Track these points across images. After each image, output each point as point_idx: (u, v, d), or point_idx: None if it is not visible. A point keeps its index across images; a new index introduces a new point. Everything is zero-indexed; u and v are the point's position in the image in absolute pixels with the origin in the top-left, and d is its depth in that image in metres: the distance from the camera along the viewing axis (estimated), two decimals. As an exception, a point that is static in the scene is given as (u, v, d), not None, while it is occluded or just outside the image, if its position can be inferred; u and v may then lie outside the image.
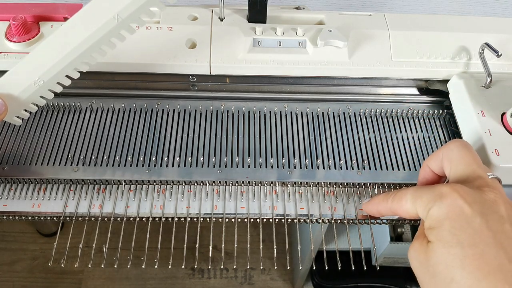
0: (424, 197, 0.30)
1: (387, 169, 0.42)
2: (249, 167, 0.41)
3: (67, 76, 0.37)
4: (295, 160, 0.42)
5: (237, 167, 0.41)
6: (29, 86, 0.36)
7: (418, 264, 0.29)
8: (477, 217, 0.27)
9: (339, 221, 0.41)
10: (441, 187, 0.29)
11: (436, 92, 0.49)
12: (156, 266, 0.39)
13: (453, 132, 0.45)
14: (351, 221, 0.41)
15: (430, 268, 0.28)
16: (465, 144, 0.33)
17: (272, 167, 0.41)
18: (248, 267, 0.42)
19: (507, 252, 0.26)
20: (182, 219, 0.40)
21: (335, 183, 0.42)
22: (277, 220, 0.41)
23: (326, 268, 0.39)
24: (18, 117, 0.39)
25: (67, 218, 0.40)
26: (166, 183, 0.41)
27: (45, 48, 0.36)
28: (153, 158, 0.41)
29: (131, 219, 0.40)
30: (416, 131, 0.46)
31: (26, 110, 0.39)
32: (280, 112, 0.46)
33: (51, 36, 0.36)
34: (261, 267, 0.47)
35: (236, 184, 0.42)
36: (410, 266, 0.30)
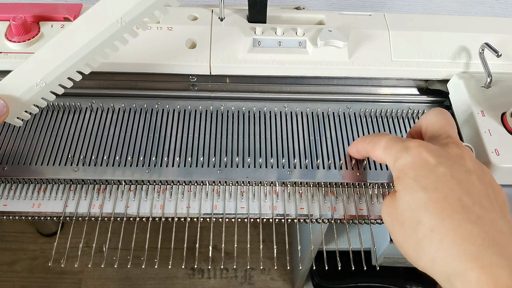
0: (393, 149, 0.31)
1: (387, 169, 0.42)
2: (249, 167, 0.41)
3: (69, 78, 0.38)
4: (295, 160, 0.42)
5: (237, 167, 0.41)
6: (31, 88, 0.36)
7: (388, 217, 0.30)
8: (441, 167, 0.28)
9: (339, 221, 0.41)
10: (409, 141, 0.31)
11: (436, 92, 0.49)
12: (156, 266, 0.39)
13: (453, 132, 0.45)
14: (351, 221, 0.41)
15: (399, 217, 0.29)
16: (442, 111, 0.35)
17: (272, 167, 0.41)
18: (248, 267, 0.42)
19: (473, 196, 0.27)
20: (182, 219, 0.40)
21: (335, 183, 0.42)
22: (277, 220, 0.41)
23: (326, 268, 0.39)
24: (19, 118, 0.39)
25: (67, 218, 0.40)
26: (166, 183, 0.41)
27: (48, 50, 0.36)
28: (153, 158, 0.41)
29: (131, 219, 0.40)
30: (416, 131, 0.46)
31: (27, 112, 0.39)
32: (280, 112, 0.46)
33: (54, 38, 0.36)
34: (261, 267, 0.47)
35: (236, 184, 0.42)
36: (393, 241, 0.31)
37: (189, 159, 0.41)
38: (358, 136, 0.44)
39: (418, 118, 0.46)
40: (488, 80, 0.44)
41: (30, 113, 0.39)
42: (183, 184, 0.42)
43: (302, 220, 0.41)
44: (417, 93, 0.49)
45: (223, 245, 0.39)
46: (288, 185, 0.42)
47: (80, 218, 0.40)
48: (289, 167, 0.42)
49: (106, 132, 0.44)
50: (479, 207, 0.27)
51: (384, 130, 0.45)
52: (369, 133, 0.45)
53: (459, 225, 0.26)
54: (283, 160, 0.42)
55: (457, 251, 0.25)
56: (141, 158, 0.41)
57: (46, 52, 0.36)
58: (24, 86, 0.36)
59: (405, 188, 0.29)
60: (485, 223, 0.26)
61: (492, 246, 0.24)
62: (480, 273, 0.23)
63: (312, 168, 0.42)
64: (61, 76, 0.37)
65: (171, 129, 0.44)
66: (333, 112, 0.47)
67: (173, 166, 0.41)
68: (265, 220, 0.40)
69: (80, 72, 0.38)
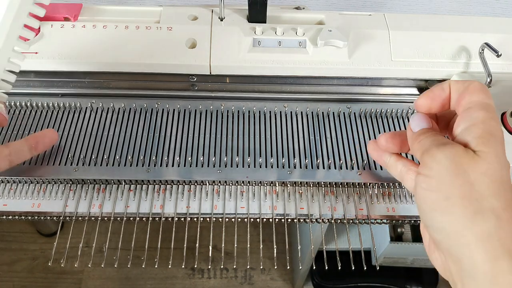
0: (492, 108, 0.30)
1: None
2: (249, 167, 0.41)
3: (18, 40, 0.36)
4: (295, 160, 0.42)
5: (237, 167, 0.41)
6: None
7: (453, 165, 0.28)
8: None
9: (339, 221, 0.41)
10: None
11: (436, 92, 0.49)
12: (156, 266, 0.39)
13: (453, 132, 0.45)
14: (351, 221, 0.41)
15: (472, 174, 0.28)
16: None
17: (272, 167, 0.41)
18: (248, 267, 0.42)
19: None
20: (182, 219, 0.40)
21: (335, 183, 0.42)
22: (277, 220, 0.41)
23: (326, 268, 0.39)
24: None
25: (67, 218, 0.40)
26: (166, 183, 0.41)
27: None
28: (153, 158, 0.41)
29: (131, 219, 0.40)
30: (416, 131, 0.45)
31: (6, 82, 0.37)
32: (280, 112, 0.46)
33: None
34: (261, 267, 0.47)
35: (236, 184, 0.42)
36: (430, 190, 0.29)
37: (189, 159, 0.41)
38: (358, 136, 0.44)
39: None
40: (488, 80, 0.44)
41: (4, 92, 0.37)
42: (183, 184, 0.42)
43: (302, 220, 0.41)
44: (417, 93, 0.49)
45: (223, 245, 0.39)
46: (288, 185, 0.42)
47: (80, 218, 0.40)
48: (289, 167, 0.42)
49: (106, 132, 0.44)
50: None
51: (384, 130, 0.45)
52: (369, 133, 0.45)
53: None
54: (283, 160, 0.42)
55: None
56: (141, 158, 0.41)
57: None
58: None
59: (496, 156, 0.28)
60: None
61: None
62: None
63: (312, 168, 0.42)
64: (9, 38, 0.35)
65: (171, 129, 0.44)
66: (333, 112, 0.47)
67: (173, 166, 0.41)
68: (265, 220, 0.40)
69: (26, 32, 0.36)
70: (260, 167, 0.41)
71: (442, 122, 0.34)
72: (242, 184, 0.42)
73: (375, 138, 0.44)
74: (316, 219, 0.41)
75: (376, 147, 0.36)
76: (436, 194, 0.29)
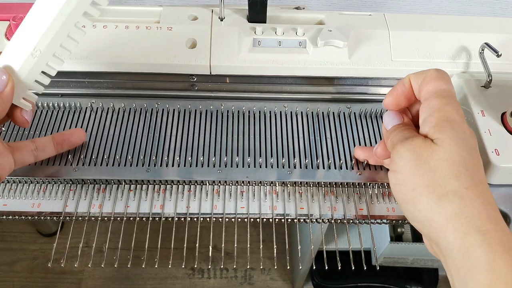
0: (452, 96, 0.32)
1: (387, 169, 0.42)
2: (249, 167, 0.41)
3: (62, 47, 0.35)
4: (295, 160, 0.42)
5: (237, 167, 0.41)
6: (28, 59, 0.34)
7: (415, 156, 0.30)
8: (474, 139, 0.32)
9: (339, 221, 0.41)
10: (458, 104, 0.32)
11: (436, 92, 0.49)
12: (156, 266, 0.39)
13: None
14: (351, 221, 0.41)
15: (432, 162, 0.30)
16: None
17: (272, 167, 0.41)
18: (248, 267, 0.42)
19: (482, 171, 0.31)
20: (182, 219, 0.40)
21: (335, 183, 0.42)
22: (277, 220, 0.41)
23: (326, 268, 0.39)
24: (25, 99, 0.36)
25: (67, 218, 0.40)
26: (166, 183, 0.41)
27: (32, 19, 0.34)
28: (153, 158, 0.41)
29: (131, 219, 0.40)
30: (416, 131, 0.45)
31: (33, 92, 0.36)
32: (280, 112, 0.46)
33: (33, 6, 0.34)
34: (261, 267, 0.47)
35: (236, 184, 0.42)
36: (399, 181, 0.31)
37: (189, 159, 0.41)
38: (358, 136, 0.44)
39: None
40: (488, 80, 0.44)
41: (37, 95, 0.37)
42: (183, 184, 0.42)
43: (302, 220, 0.41)
44: (417, 93, 0.49)
45: (223, 245, 0.39)
46: (288, 185, 0.42)
47: (80, 218, 0.40)
48: (289, 167, 0.42)
49: (106, 132, 0.44)
50: (487, 183, 0.30)
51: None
52: (369, 133, 0.45)
53: (484, 193, 0.29)
54: (283, 160, 0.42)
55: (484, 214, 0.28)
56: (141, 158, 0.41)
57: (31, 21, 0.34)
58: (20, 59, 0.34)
59: (452, 140, 0.29)
60: (493, 197, 0.29)
61: (500, 215, 0.29)
62: (501, 234, 0.27)
63: (312, 168, 0.42)
64: (54, 42, 0.34)
65: (171, 129, 0.44)
66: (333, 112, 0.47)
67: (173, 166, 0.41)
68: (265, 220, 0.40)
69: (72, 40, 0.35)
70: (260, 167, 0.41)
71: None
72: (242, 184, 0.42)
73: (375, 138, 0.44)
74: (316, 219, 0.41)
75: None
76: (404, 187, 0.31)
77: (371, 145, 0.44)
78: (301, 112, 0.46)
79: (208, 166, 0.41)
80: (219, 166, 0.41)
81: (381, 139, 0.44)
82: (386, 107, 0.36)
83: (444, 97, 0.31)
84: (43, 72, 0.36)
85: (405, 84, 0.34)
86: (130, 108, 0.46)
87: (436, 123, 0.30)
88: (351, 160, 0.42)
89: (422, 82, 0.33)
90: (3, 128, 0.43)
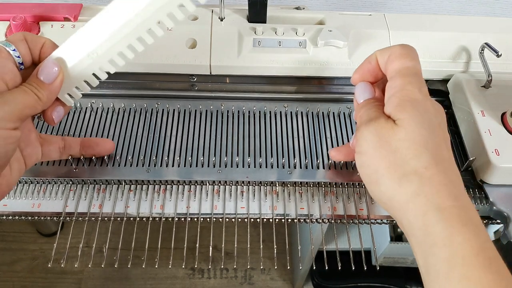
0: (414, 75, 0.32)
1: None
2: (249, 167, 0.41)
3: (120, 54, 0.35)
4: (295, 160, 0.42)
5: (237, 167, 0.41)
6: (83, 59, 0.34)
7: (377, 138, 0.31)
8: (437, 117, 0.31)
9: (339, 221, 0.41)
10: (423, 82, 0.32)
11: (436, 92, 0.49)
12: (156, 266, 0.39)
13: (453, 131, 0.45)
14: (351, 221, 0.41)
15: (393, 143, 0.30)
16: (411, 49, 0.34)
17: (272, 167, 0.41)
18: (248, 267, 0.42)
19: (448, 149, 0.31)
20: (182, 219, 0.40)
21: (335, 183, 0.42)
22: (277, 220, 0.41)
23: (326, 268, 0.39)
24: (70, 95, 0.36)
25: (67, 218, 0.40)
26: (166, 183, 0.41)
27: (101, 20, 0.33)
28: (153, 158, 0.41)
29: (131, 219, 0.40)
30: (416, 131, 0.45)
31: (78, 89, 0.36)
32: (280, 112, 0.46)
33: (107, 8, 0.33)
34: (261, 267, 0.47)
35: (236, 184, 0.42)
36: (364, 162, 0.32)
37: (189, 159, 0.41)
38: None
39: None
40: (488, 80, 0.44)
41: (82, 94, 0.36)
42: (183, 184, 0.42)
43: (302, 220, 0.41)
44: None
45: (223, 245, 0.39)
46: (288, 185, 0.42)
47: (80, 218, 0.40)
48: (289, 167, 0.42)
49: (106, 132, 0.44)
50: (451, 160, 0.30)
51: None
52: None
53: (446, 171, 0.29)
54: (283, 160, 0.42)
55: (444, 191, 0.28)
56: (141, 158, 0.41)
57: (99, 21, 0.33)
58: (76, 56, 0.34)
59: (413, 119, 0.29)
60: (457, 173, 0.30)
61: (463, 191, 0.29)
62: (460, 210, 0.27)
63: (312, 168, 0.42)
64: (113, 49, 0.34)
65: (171, 129, 0.44)
66: (333, 112, 0.47)
67: (173, 166, 0.41)
68: (265, 220, 0.40)
69: (132, 50, 0.35)
70: (260, 167, 0.41)
71: None
72: (242, 184, 0.42)
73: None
74: (316, 219, 0.40)
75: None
76: (367, 169, 0.31)
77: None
78: (301, 112, 0.46)
79: (208, 166, 0.41)
80: (219, 166, 0.41)
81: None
82: (354, 84, 0.36)
83: (407, 75, 0.31)
84: (94, 74, 0.35)
85: (372, 61, 0.34)
86: (130, 108, 0.46)
87: (398, 103, 0.30)
88: (351, 160, 0.42)
89: (388, 59, 0.33)
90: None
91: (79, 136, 0.43)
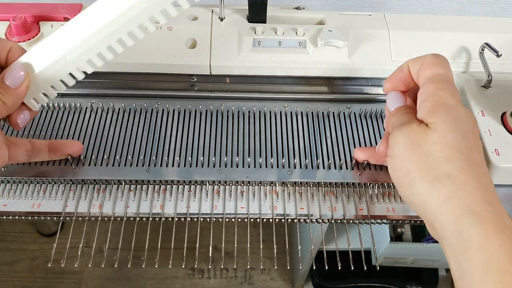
0: (448, 81, 0.32)
1: (387, 169, 0.42)
2: (249, 167, 0.41)
3: (88, 62, 0.35)
4: (295, 160, 0.42)
5: (237, 167, 0.41)
6: (51, 65, 0.34)
7: (410, 141, 0.31)
8: (470, 123, 0.31)
9: (339, 221, 0.41)
10: (455, 88, 0.32)
11: (436, 92, 0.49)
12: (156, 266, 0.39)
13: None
14: (351, 221, 0.41)
15: (426, 146, 0.30)
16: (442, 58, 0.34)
17: (272, 167, 0.41)
18: (248, 267, 0.42)
19: (481, 154, 0.31)
20: (182, 219, 0.40)
21: (335, 183, 0.42)
22: (277, 220, 0.41)
23: (326, 268, 0.39)
24: (35, 100, 0.36)
25: (67, 218, 0.40)
26: (166, 183, 0.41)
27: (71, 26, 0.34)
28: (153, 158, 0.41)
29: (131, 219, 0.40)
30: (416, 131, 0.45)
31: (45, 95, 0.36)
32: (280, 112, 0.46)
33: (80, 14, 0.33)
34: (261, 267, 0.47)
35: (236, 184, 0.42)
36: (396, 166, 0.32)
37: (189, 159, 0.41)
38: (358, 136, 0.44)
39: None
40: (488, 80, 0.44)
41: (48, 98, 0.36)
42: (183, 184, 0.42)
43: (302, 220, 0.41)
44: (417, 93, 0.49)
45: (223, 245, 0.39)
46: (288, 185, 0.42)
47: (80, 218, 0.40)
48: (289, 167, 0.42)
49: (106, 132, 0.44)
50: (484, 165, 0.31)
51: (384, 130, 0.45)
52: (369, 133, 0.45)
53: (479, 175, 0.29)
54: (283, 160, 0.42)
55: (478, 195, 0.28)
56: (141, 158, 0.41)
57: (69, 28, 0.34)
58: (43, 62, 0.34)
59: (445, 123, 0.30)
60: (490, 179, 0.30)
61: (497, 197, 0.29)
62: (495, 215, 0.27)
63: (312, 168, 0.42)
64: (82, 56, 0.34)
65: (171, 129, 0.44)
66: (333, 112, 0.47)
67: (173, 166, 0.41)
68: (265, 220, 0.40)
69: (101, 58, 0.35)
70: (260, 167, 0.41)
71: None
72: (242, 184, 0.42)
73: (375, 138, 0.44)
74: (316, 219, 0.40)
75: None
76: (400, 172, 0.31)
77: (371, 145, 0.44)
78: (301, 112, 0.46)
79: (208, 166, 0.41)
80: (219, 166, 0.41)
81: (380, 139, 0.44)
82: (386, 92, 0.37)
83: (440, 81, 0.32)
84: (61, 80, 0.35)
85: (404, 70, 0.35)
86: (130, 108, 0.46)
87: (430, 108, 0.31)
88: (351, 160, 0.42)
89: (420, 67, 0.33)
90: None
91: (79, 136, 0.43)
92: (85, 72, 0.36)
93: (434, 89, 0.31)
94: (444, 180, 0.29)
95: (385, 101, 0.48)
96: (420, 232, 0.85)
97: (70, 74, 0.35)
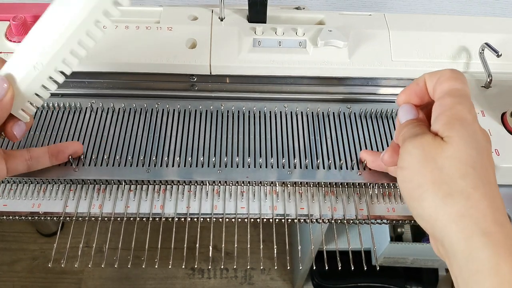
0: (466, 96, 0.31)
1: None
2: (249, 167, 0.41)
3: (65, 63, 0.35)
4: (295, 160, 0.42)
5: (237, 167, 0.41)
6: (29, 72, 0.34)
7: (423, 154, 0.30)
8: (484, 141, 0.31)
9: (339, 221, 0.41)
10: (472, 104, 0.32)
11: (436, 92, 0.49)
12: (156, 266, 0.39)
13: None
14: (351, 221, 0.41)
15: (440, 161, 0.29)
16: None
17: (272, 167, 0.41)
18: (248, 267, 0.42)
19: (494, 174, 0.31)
20: (182, 219, 0.40)
21: (335, 183, 0.42)
22: (277, 220, 0.41)
23: (326, 268, 0.39)
24: (24, 111, 0.36)
25: (67, 218, 0.40)
26: (166, 183, 0.41)
27: (38, 30, 0.33)
28: (153, 158, 0.41)
29: (131, 219, 0.40)
30: (416, 131, 0.45)
31: (31, 104, 0.36)
32: (280, 112, 0.46)
33: (42, 17, 0.33)
34: (261, 267, 0.47)
35: (236, 184, 0.42)
36: (406, 179, 0.31)
37: (189, 159, 0.41)
38: (358, 136, 0.44)
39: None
40: (488, 80, 0.44)
41: (36, 107, 0.36)
42: (183, 184, 0.42)
43: (302, 220, 0.41)
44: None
45: (223, 245, 0.39)
46: (288, 185, 0.42)
47: (80, 218, 0.40)
48: (289, 167, 0.42)
49: (106, 132, 0.44)
50: (496, 185, 0.30)
51: (384, 131, 0.45)
52: (369, 133, 0.45)
53: (493, 195, 0.28)
54: (283, 160, 0.42)
55: (490, 216, 0.27)
56: (141, 158, 0.41)
57: (37, 31, 0.33)
58: (22, 71, 0.34)
59: (461, 138, 0.29)
60: (502, 200, 0.29)
61: (507, 218, 0.28)
62: (506, 238, 0.27)
63: (312, 168, 0.42)
64: (57, 57, 0.34)
65: (171, 129, 0.44)
66: (333, 112, 0.47)
67: (173, 166, 0.41)
68: (265, 220, 0.40)
69: (75, 55, 0.35)
70: (260, 167, 0.41)
71: None
72: (242, 184, 0.42)
73: (375, 138, 0.44)
74: (316, 219, 0.41)
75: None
76: (410, 184, 0.30)
77: (371, 145, 0.44)
78: (301, 112, 0.46)
79: (208, 166, 0.41)
80: (219, 166, 0.41)
81: (380, 139, 0.44)
82: (399, 105, 0.36)
83: (457, 96, 0.31)
84: (44, 86, 0.35)
85: (420, 83, 0.34)
86: (130, 108, 0.46)
87: (447, 121, 0.30)
88: (351, 160, 0.42)
89: (437, 81, 0.33)
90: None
91: (79, 136, 0.43)
92: (64, 74, 0.35)
93: (451, 103, 0.31)
94: (457, 197, 0.28)
95: (385, 101, 0.48)
96: (420, 232, 0.85)
97: (50, 78, 0.35)
